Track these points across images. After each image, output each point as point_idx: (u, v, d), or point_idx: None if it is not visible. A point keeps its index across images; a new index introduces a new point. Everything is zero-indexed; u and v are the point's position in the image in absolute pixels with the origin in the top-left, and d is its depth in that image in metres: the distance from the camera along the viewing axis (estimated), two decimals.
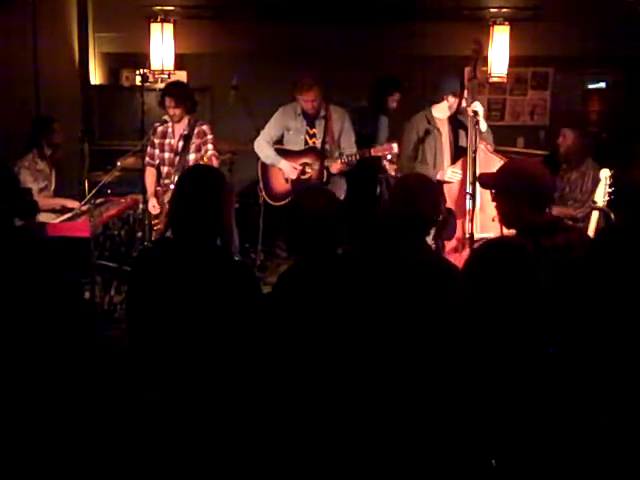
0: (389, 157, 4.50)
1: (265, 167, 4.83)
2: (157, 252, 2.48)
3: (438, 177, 4.42)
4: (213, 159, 4.61)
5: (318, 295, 2.21)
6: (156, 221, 4.85)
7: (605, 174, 4.20)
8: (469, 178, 4.01)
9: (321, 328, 2.15)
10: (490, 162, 4.14)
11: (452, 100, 4.43)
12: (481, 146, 4.16)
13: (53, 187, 4.94)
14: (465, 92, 4.38)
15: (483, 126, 4.24)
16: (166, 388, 2.17)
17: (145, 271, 2.34)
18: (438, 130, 4.54)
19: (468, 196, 3.98)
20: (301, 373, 2.12)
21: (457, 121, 4.52)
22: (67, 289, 2.54)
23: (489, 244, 2.08)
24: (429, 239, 4.47)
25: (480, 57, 4.30)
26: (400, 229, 2.49)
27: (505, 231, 4.07)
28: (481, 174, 3.75)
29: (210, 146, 4.81)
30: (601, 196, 4.20)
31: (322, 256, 2.30)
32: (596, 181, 4.40)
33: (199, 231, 2.28)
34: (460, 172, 4.30)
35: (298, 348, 2.15)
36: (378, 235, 2.53)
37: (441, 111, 4.54)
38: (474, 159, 4.03)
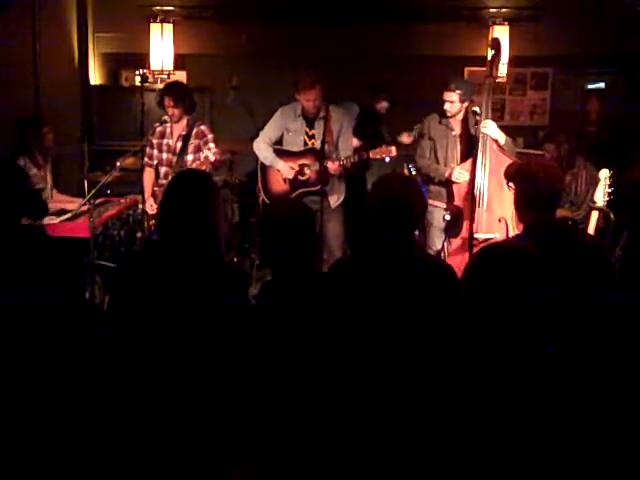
0: (387, 160, 4.49)
1: (264, 167, 4.83)
2: (143, 256, 2.48)
3: (446, 175, 4.43)
4: (209, 158, 4.59)
5: (299, 308, 2.19)
6: (154, 221, 4.84)
7: (604, 174, 4.20)
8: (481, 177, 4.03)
9: (304, 340, 2.14)
10: (502, 163, 4.15)
11: (451, 97, 4.42)
12: (493, 146, 4.17)
13: (49, 186, 4.91)
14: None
15: (502, 138, 4.24)
16: (151, 391, 2.17)
17: (131, 275, 2.34)
18: (450, 129, 4.55)
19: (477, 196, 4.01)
20: (295, 379, 2.12)
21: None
22: (71, 289, 2.54)
23: (491, 247, 2.07)
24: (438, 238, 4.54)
25: (498, 57, 4.30)
26: (385, 228, 2.45)
27: (511, 232, 4.11)
28: (507, 166, 3.80)
29: (212, 145, 4.81)
30: (600, 196, 4.20)
31: (295, 269, 2.27)
32: (590, 181, 4.41)
33: (185, 235, 2.28)
34: (467, 173, 4.30)
35: (282, 357, 2.13)
36: (368, 238, 2.49)
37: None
38: (475, 159, 4.05)
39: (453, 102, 4.42)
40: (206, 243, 2.31)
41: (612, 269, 2.56)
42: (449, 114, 4.48)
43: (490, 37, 6.21)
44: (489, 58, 4.36)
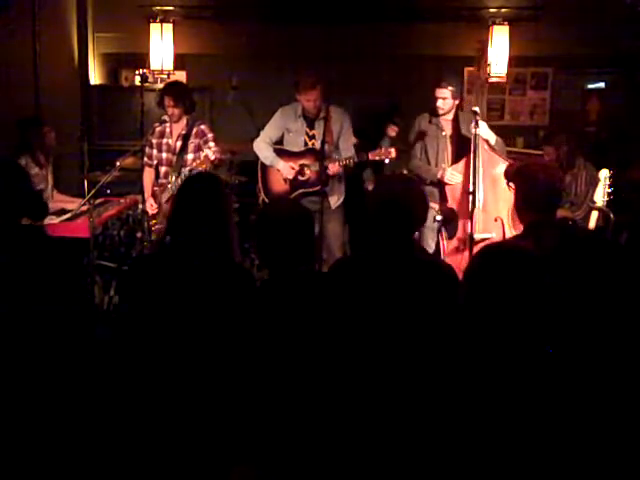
0: (387, 161, 4.50)
1: (264, 167, 4.83)
2: (154, 259, 2.48)
3: (438, 176, 4.43)
4: (209, 157, 4.59)
5: (297, 307, 2.19)
6: (154, 221, 4.85)
7: (604, 174, 4.20)
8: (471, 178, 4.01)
9: (303, 340, 2.13)
10: (493, 162, 4.14)
11: (443, 93, 4.41)
12: (485, 146, 4.16)
13: (50, 186, 4.91)
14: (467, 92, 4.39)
15: (492, 139, 4.24)
16: (155, 391, 2.17)
17: (142, 278, 2.34)
18: (441, 129, 4.54)
19: (470, 196, 3.98)
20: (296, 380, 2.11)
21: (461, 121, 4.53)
22: (73, 290, 2.54)
23: (491, 248, 2.06)
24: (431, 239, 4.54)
25: (484, 57, 4.31)
26: (387, 229, 2.45)
27: (507, 231, 4.11)
28: (507, 167, 3.80)
29: (212, 144, 4.82)
30: (600, 196, 4.20)
31: (292, 268, 2.26)
32: (590, 181, 4.41)
33: (197, 238, 2.28)
34: (460, 174, 4.30)
35: (281, 356, 2.13)
36: (368, 239, 2.49)
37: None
38: (474, 159, 4.04)
39: (446, 98, 4.41)
40: (217, 246, 2.31)
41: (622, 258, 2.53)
42: (442, 111, 4.47)
43: (490, 37, 6.21)
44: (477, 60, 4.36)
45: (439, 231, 4.48)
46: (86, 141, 5.05)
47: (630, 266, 2.03)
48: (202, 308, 2.21)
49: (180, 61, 6.47)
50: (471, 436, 1.77)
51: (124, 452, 2.13)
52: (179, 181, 4.69)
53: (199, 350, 2.18)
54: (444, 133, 4.54)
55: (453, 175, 4.33)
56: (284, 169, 4.68)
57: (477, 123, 4.12)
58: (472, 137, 4.08)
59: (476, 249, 3.79)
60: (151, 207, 4.85)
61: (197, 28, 6.55)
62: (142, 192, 4.85)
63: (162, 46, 6.28)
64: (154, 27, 6.29)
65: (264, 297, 2.28)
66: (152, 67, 6.25)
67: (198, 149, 4.85)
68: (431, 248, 4.51)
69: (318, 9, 6.26)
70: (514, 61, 6.31)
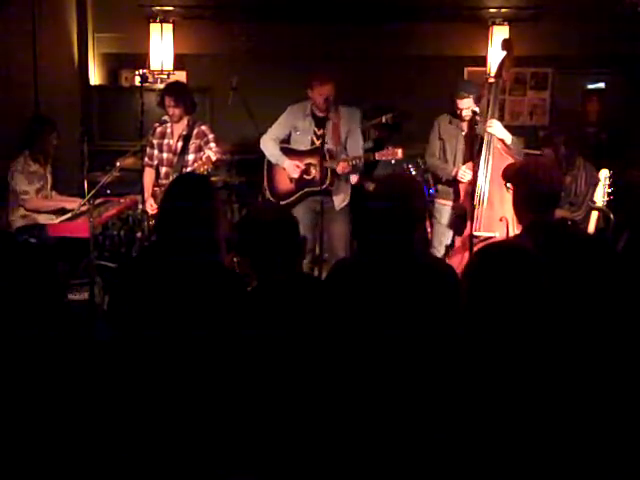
0: (393, 162, 4.53)
1: (270, 166, 4.81)
2: (141, 259, 2.48)
3: (453, 174, 4.48)
4: (210, 158, 4.60)
5: (293, 313, 2.18)
6: (153, 222, 4.84)
7: (604, 174, 4.21)
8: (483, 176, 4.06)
9: (301, 344, 2.13)
10: (504, 162, 4.15)
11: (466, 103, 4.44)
12: (498, 146, 4.20)
13: (50, 185, 4.91)
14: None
15: (508, 138, 4.26)
16: (148, 397, 2.17)
17: (128, 278, 2.35)
18: (460, 129, 4.59)
19: (476, 195, 4.03)
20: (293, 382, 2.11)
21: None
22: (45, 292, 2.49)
23: (490, 247, 2.06)
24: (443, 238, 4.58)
25: (510, 57, 4.32)
26: (386, 229, 2.46)
27: (512, 232, 4.11)
28: (506, 167, 3.83)
29: (212, 144, 4.84)
30: (600, 196, 4.20)
31: (277, 274, 2.26)
32: (590, 182, 4.42)
33: (182, 239, 2.28)
34: (470, 172, 4.33)
35: (279, 363, 2.12)
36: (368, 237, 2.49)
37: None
38: (478, 159, 4.07)
39: (469, 107, 4.46)
40: (203, 247, 2.31)
41: (619, 260, 2.53)
42: (467, 118, 4.52)
43: (490, 37, 6.23)
44: (500, 58, 4.35)
45: (453, 228, 4.53)
46: (86, 141, 5.05)
47: (628, 267, 2.03)
48: (187, 310, 2.20)
49: (180, 61, 6.48)
50: (475, 436, 1.77)
51: (120, 458, 2.12)
52: None
53: (187, 352, 2.17)
54: (463, 133, 4.59)
55: (465, 172, 4.37)
56: (289, 168, 4.66)
57: (477, 123, 4.16)
58: (482, 137, 4.15)
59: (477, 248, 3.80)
60: (151, 207, 4.85)
61: (197, 28, 6.55)
62: (142, 192, 4.86)
63: (162, 46, 6.29)
64: (154, 27, 6.29)
65: (254, 301, 2.28)
66: (152, 67, 6.26)
67: (199, 150, 4.86)
68: (442, 245, 4.55)
69: (318, 9, 6.26)
70: (514, 61, 6.30)
